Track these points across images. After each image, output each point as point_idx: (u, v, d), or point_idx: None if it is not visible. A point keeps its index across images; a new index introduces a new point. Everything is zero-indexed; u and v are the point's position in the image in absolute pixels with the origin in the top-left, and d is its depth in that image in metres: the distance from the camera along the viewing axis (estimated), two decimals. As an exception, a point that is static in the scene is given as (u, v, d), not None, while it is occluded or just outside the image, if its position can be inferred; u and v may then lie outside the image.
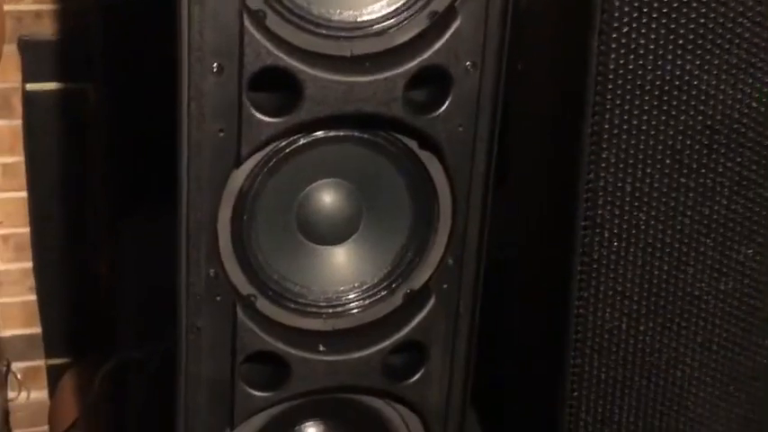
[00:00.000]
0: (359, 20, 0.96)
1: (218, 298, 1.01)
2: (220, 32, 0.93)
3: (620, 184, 1.04)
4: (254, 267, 1.01)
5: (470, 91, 1.00)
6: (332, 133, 0.99)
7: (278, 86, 0.96)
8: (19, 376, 2.16)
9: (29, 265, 2.10)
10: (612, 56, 1.00)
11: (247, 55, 0.93)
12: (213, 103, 0.95)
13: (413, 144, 1.02)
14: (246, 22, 0.92)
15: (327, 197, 1.03)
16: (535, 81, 1.14)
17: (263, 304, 1.03)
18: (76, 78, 1.90)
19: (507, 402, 1.29)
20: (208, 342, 1.02)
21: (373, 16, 0.97)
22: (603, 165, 1.03)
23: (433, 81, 0.99)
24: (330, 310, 1.05)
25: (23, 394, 2.18)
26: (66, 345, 2.15)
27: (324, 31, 0.95)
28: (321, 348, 1.04)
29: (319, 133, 0.99)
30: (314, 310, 1.04)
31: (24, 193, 2.02)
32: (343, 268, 1.05)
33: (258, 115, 0.95)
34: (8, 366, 2.13)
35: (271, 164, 0.99)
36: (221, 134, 0.96)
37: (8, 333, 2.14)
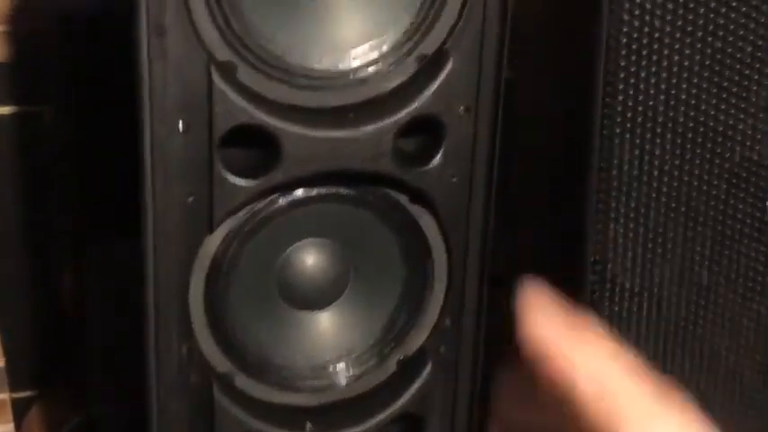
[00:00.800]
0: (340, 67, 0.87)
1: (192, 377, 0.91)
2: (186, 88, 0.83)
3: (631, 235, 0.95)
4: (232, 341, 0.92)
5: (464, 138, 0.91)
6: (314, 192, 0.90)
7: (252, 141, 0.87)
8: (-18, 411, 2.09)
9: (-11, 296, 2.02)
10: (620, 98, 0.91)
11: (217, 113, 0.83)
12: (180, 165, 0.85)
13: (403, 199, 0.92)
14: (215, 76, 0.82)
15: (310, 259, 0.93)
16: (535, 128, 1.05)
17: (242, 381, 0.93)
18: (32, 101, 1.83)
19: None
20: (182, 427, 0.92)
21: (356, 63, 0.87)
22: (613, 215, 0.94)
23: (422, 129, 0.90)
24: (316, 383, 0.96)
25: (-12, 429, 2.10)
26: (32, 376, 2.08)
27: (302, 82, 0.86)
28: (308, 427, 0.95)
29: (300, 192, 0.89)
30: (299, 383, 0.95)
31: None
32: (329, 335, 0.96)
33: (231, 178, 0.86)
34: (-29, 401, 2.06)
35: (247, 228, 0.89)
36: (191, 199, 0.86)
37: (-31, 367, 2.06)
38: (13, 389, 2.09)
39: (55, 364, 2.04)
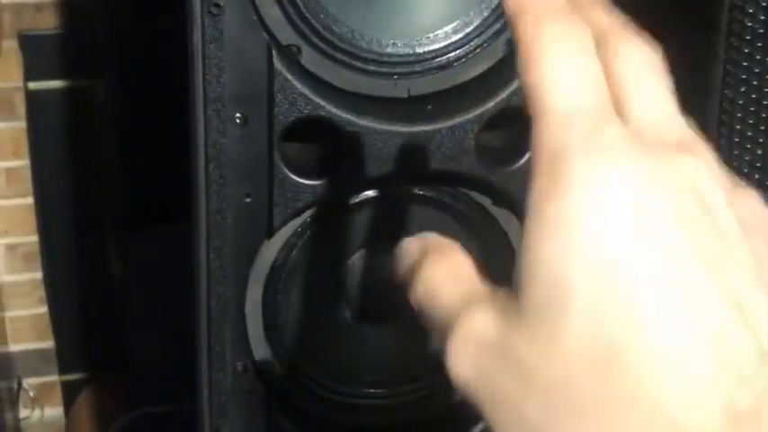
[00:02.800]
0: (417, 51, 0.76)
1: (249, 396, 0.82)
2: (244, 75, 0.73)
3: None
4: (293, 358, 0.83)
5: (557, 135, 0.80)
6: (385, 193, 0.80)
7: (316, 135, 0.77)
8: (31, 393, 2.06)
9: (38, 275, 2.00)
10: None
11: (279, 103, 0.73)
12: (237, 162, 0.76)
13: (486, 201, 0.82)
14: (277, 62, 0.73)
15: (378, 267, 0.83)
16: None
17: (300, 397, 0.84)
18: (83, 75, 1.77)
19: None
20: (238, 449, 0.84)
21: (435, 46, 0.76)
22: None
23: (510, 122, 0.80)
24: (378, 403, 0.86)
25: (37, 412, 2.08)
26: (82, 359, 2.05)
27: (374, 68, 0.75)
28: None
29: (369, 193, 0.80)
30: (361, 401, 0.86)
31: (31, 200, 1.93)
32: (395, 351, 0.86)
33: (293, 177, 0.76)
34: (19, 383, 2.03)
35: (310, 232, 0.80)
36: (248, 200, 0.77)
37: (18, 348, 2.04)
38: (62, 372, 2.05)
39: (105, 348, 1.99)
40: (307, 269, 0.81)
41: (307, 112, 0.74)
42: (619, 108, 0.39)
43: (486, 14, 0.76)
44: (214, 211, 0.77)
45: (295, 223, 0.79)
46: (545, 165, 0.38)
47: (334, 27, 0.74)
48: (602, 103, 0.38)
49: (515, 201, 0.81)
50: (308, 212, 0.79)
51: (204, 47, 0.72)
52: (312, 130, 0.76)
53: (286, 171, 0.76)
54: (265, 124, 0.75)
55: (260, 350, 0.82)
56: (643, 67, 0.40)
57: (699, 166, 0.38)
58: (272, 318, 0.82)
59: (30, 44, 1.70)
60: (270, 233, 0.78)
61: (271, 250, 0.80)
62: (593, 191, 0.36)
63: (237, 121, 0.75)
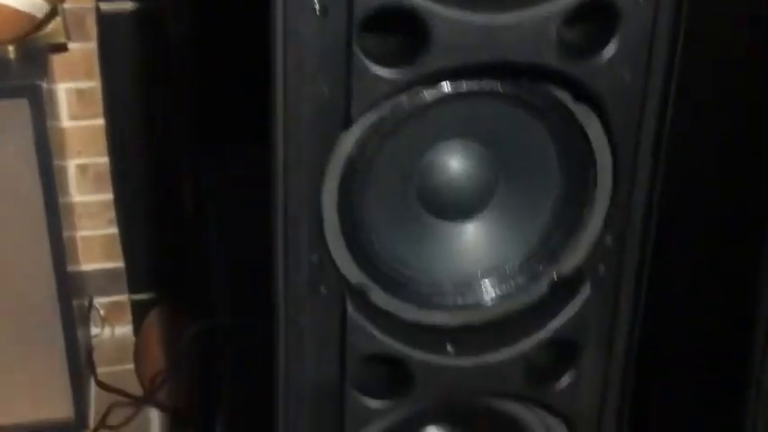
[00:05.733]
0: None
1: (324, 289, 0.83)
2: (324, -37, 0.72)
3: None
4: (367, 251, 0.83)
5: (642, 29, 0.78)
6: (464, 86, 0.79)
7: (396, 26, 0.76)
8: (102, 312, 2.09)
9: (109, 196, 2.02)
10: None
11: (359, -9, 0.73)
12: (315, 52, 0.75)
13: (566, 96, 0.81)
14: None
15: (455, 163, 0.83)
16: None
17: (377, 295, 0.84)
18: None
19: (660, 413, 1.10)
20: (311, 342, 0.84)
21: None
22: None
23: (592, 16, 0.78)
24: (459, 301, 0.86)
25: (107, 330, 2.11)
26: (151, 280, 2.07)
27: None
28: (449, 349, 0.85)
29: (448, 86, 0.79)
30: (440, 301, 0.86)
31: (102, 121, 1.94)
32: (474, 249, 0.86)
33: (373, 67, 0.75)
34: (90, 302, 2.06)
35: (388, 125, 0.79)
36: (326, 91, 0.76)
37: (89, 267, 2.07)
38: (132, 291, 2.08)
39: (175, 267, 2.01)
40: (383, 163, 0.81)
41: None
42: None
43: None
44: (292, 102, 0.77)
45: (372, 116, 0.79)
46: None
47: None
48: None
49: (597, 96, 0.80)
50: (386, 105, 0.78)
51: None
52: (392, 21, 0.75)
53: (365, 62, 0.75)
54: (345, 14, 0.74)
55: (336, 244, 0.82)
56: None
57: None
58: (347, 211, 0.81)
59: (101, -34, 1.66)
60: (347, 125, 0.78)
61: (347, 143, 0.79)
62: None
63: (316, 10, 0.74)
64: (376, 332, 0.84)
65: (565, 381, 0.88)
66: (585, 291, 0.86)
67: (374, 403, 0.86)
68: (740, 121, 0.92)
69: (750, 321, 0.90)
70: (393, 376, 0.86)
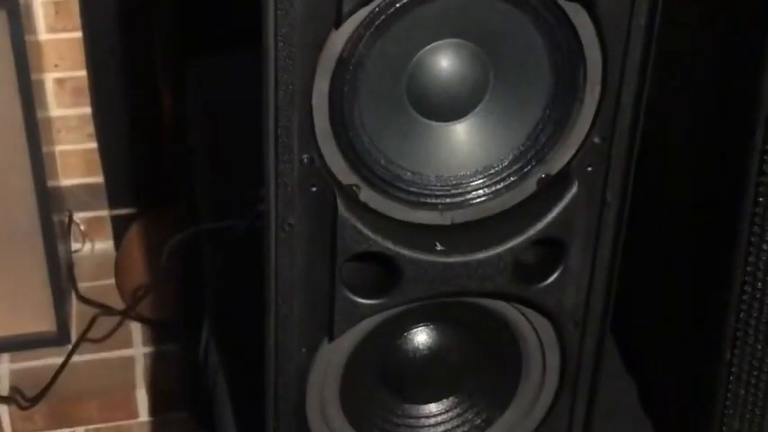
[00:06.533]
0: None
1: (314, 188, 0.83)
2: None
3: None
4: (358, 151, 0.83)
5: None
6: (456, -18, 0.78)
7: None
8: (82, 227, 2.09)
9: (88, 110, 2.00)
10: None
11: None
12: (307, -54, 0.74)
13: (556, -6, 0.81)
14: None
15: (446, 62, 0.83)
16: None
17: (367, 195, 0.84)
18: None
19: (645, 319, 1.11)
20: (302, 241, 0.84)
21: None
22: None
23: None
24: (448, 201, 0.86)
25: (87, 245, 2.11)
26: (131, 194, 2.07)
27: None
28: (438, 247, 0.86)
29: (439, -21, 0.78)
30: (429, 200, 0.86)
31: (79, 34, 1.91)
32: (464, 149, 0.86)
33: (364, -38, 0.75)
34: (70, 217, 2.06)
35: (378, 22, 0.78)
36: (316, -13, 0.76)
37: (68, 182, 2.06)
38: (112, 206, 2.07)
39: (156, 181, 2.00)
40: (374, 62, 0.80)
41: None
42: None
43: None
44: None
45: (363, 13, 0.78)
46: None
47: None
48: None
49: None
50: (377, 1, 0.77)
51: None
52: None
53: (356, -44, 0.75)
54: None
55: (327, 145, 0.82)
56: None
57: None
58: (338, 112, 0.81)
59: None
60: (338, 22, 0.77)
61: (338, 41, 0.79)
62: None
63: None
64: (366, 231, 0.84)
65: (551, 280, 0.89)
66: (573, 189, 0.87)
67: (364, 302, 0.87)
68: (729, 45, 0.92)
69: (736, 214, 0.91)
70: (383, 275, 0.87)
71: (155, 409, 1.88)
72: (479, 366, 0.96)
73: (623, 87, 0.84)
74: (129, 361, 1.91)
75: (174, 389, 1.84)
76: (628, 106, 0.85)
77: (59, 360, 1.84)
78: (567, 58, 0.83)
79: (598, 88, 0.84)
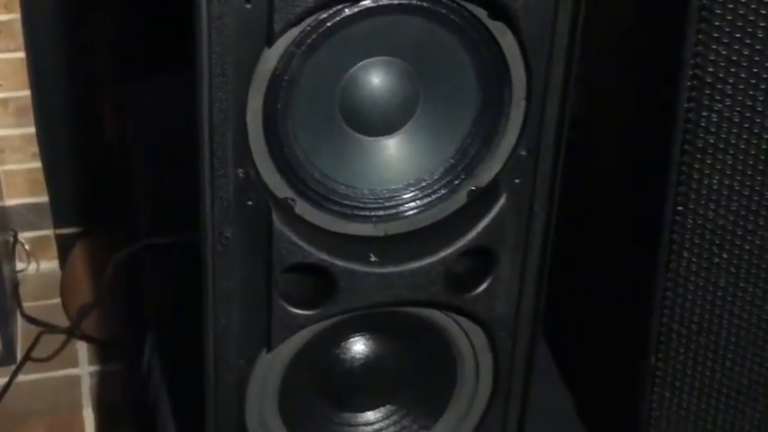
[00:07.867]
0: None
1: (250, 202, 0.85)
2: None
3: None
4: (292, 165, 0.85)
5: (553, -53, 0.81)
6: (384, 1, 0.81)
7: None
8: (27, 247, 2.08)
9: (32, 130, 1.99)
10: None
11: None
12: (238, -33, 0.77)
13: (481, 13, 0.84)
14: None
15: (377, 79, 0.85)
16: None
17: (302, 208, 0.87)
18: None
19: (576, 313, 1.15)
20: (239, 254, 0.87)
21: None
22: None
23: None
24: (382, 213, 0.89)
25: (33, 265, 2.10)
26: (76, 213, 2.06)
27: None
28: (372, 258, 0.89)
29: (368, 1, 0.81)
30: (363, 213, 0.89)
31: (22, 54, 1.90)
32: (396, 163, 0.89)
33: (294, -18, 0.77)
34: (15, 236, 2.05)
35: (309, 41, 0.81)
36: (248, 6, 0.78)
37: (13, 202, 2.05)
38: (57, 225, 2.07)
39: (100, 201, 2.00)
40: (306, 79, 0.83)
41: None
42: None
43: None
44: (215, 16, 0.78)
45: (294, 32, 0.81)
46: None
47: None
48: None
49: (510, 13, 0.83)
50: (308, 20, 0.80)
51: None
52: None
53: (286, -23, 0.77)
54: (266, -71, 0.75)
55: (261, 159, 0.84)
56: None
57: None
58: (273, 127, 0.84)
59: None
60: (270, 41, 0.80)
61: (271, 59, 0.81)
62: None
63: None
64: (301, 243, 0.87)
65: (483, 288, 0.92)
66: (501, 201, 0.90)
67: (300, 313, 0.89)
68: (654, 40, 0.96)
69: (657, 223, 0.95)
70: (319, 287, 0.89)
71: (101, 427, 1.87)
72: (415, 374, 0.99)
73: (547, 102, 0.87)
74: (76, 380, 1.90)
75: (120, 407, 1.84)
76: (552, 120, 0.88)
77: (4, 380, 1.83)
78: (494, 75, 0.86)
79: (523, 104, 0.88)
